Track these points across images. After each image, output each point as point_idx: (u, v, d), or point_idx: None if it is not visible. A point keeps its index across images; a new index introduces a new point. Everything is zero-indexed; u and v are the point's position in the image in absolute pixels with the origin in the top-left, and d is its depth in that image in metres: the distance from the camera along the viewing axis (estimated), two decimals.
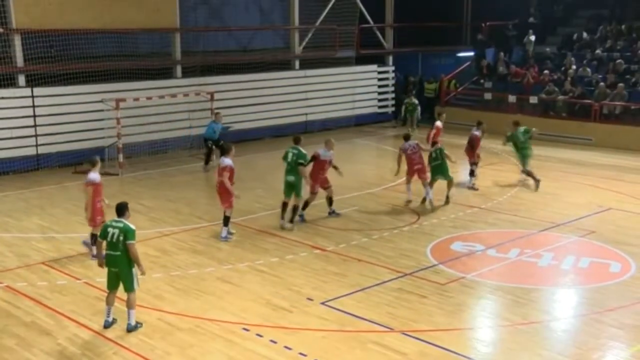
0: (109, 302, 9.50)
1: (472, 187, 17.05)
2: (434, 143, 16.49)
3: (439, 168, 15.58)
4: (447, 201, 15.59)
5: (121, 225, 9.25)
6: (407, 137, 16.17)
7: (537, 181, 16.97)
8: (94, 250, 11.58)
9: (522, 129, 17.49)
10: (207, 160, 19.40)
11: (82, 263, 11.97)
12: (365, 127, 26.44)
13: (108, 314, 9.50)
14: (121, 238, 9.18)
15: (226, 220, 13.13)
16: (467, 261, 12.11)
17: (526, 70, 25.61)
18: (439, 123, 19.63)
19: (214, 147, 19.08)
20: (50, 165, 19.27)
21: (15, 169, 18.62)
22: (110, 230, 9.27)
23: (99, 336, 9.25)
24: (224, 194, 12.99)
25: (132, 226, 9.31)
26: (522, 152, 17.25)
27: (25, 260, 12.04)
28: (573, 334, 9.59)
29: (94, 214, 11.87)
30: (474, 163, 17.35)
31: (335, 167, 14.50)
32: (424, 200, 15.52)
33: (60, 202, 16.02)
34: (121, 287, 9.40)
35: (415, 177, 15.60)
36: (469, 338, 9.41)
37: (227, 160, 12.89)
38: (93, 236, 11.79)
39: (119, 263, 9.26)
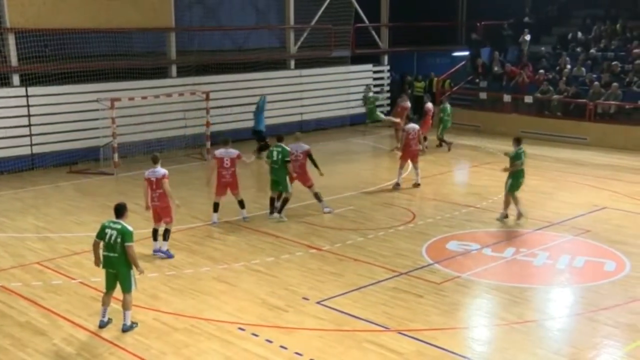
0: (105, 303, 9.47)
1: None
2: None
3: (523, 172, 14.21)
4: (521, 215, 14.09)
5: (119, 226, 9.21)
6: (411, 119, 16.94)
7: (449, 144, 21.17)
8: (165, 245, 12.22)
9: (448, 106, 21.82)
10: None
11: (77, 263, 11.94)
12: (361, 127, 26.43)
13: (103, 315, 9.47)
14: (119, 240, 9.13)
15: (242, 203, 14.10)
16: (463, 260, 12.12)
17: (521, 69, 25.65)
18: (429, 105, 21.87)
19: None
20: (45, 165, 19.22)
21: (9, 168, 18.56)
22: (108, 231, 9.22)
23: (94, 336, 9.23)
24: (237, 182, 13.92)
25: (130, 228, 9.27)
26: (444, 123, 21.52)
27: (19, 260, 12.00)
28: (568, 333, 9.61)
29: (171, 210, 12.18)
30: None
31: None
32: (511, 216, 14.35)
33: (55, 202, 15.98)
34: (118, 287, 9.38)
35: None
36: (464, 337, 9.41)
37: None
38: (167, 232, 12.28)
39: (117, 265, 9.22)
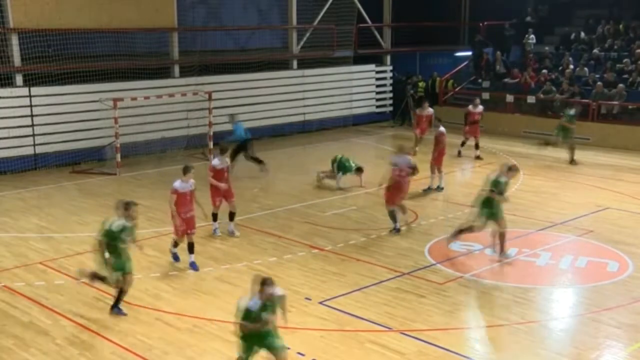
0: None
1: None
2: None
3: None
4: None
5: None
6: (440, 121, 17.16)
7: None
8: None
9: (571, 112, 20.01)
10: (259, 161, 18.41)
11: (80, 263, 11.89)
12: (363, 127, 26.38)
13: None
14: None
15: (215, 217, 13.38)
16: (465, 260, 12.10)
17: (523, 70, 25.56)
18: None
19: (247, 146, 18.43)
20: (47, 164, 19.20)
21: (12, 168, 18.55)
22: None
23: (97, 336, 9.24)
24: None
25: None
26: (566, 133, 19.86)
27: (23, 260, 12.00)
28: (571, 334, 9.60)
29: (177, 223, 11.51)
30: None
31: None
32: None
33: (57, 202, 15.97)
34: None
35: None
36: (467, 337, 9.42)
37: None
38: (175, 245, 11.79)
39: None
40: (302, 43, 25.41)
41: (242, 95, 23.28)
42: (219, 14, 24.19)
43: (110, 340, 9.10)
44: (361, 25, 26.72)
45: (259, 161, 18.41)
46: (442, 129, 16.74)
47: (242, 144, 18.35)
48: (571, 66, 24.92)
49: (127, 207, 9.59)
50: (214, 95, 20.94)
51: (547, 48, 26.99)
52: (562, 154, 21.13)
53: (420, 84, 27.36)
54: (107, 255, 9.47)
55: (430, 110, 20.45)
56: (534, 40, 27.27)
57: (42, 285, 10.97)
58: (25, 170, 18.81)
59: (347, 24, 26.00)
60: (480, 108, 20.74)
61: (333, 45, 25.97)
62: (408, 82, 27.39)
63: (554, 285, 11.16)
